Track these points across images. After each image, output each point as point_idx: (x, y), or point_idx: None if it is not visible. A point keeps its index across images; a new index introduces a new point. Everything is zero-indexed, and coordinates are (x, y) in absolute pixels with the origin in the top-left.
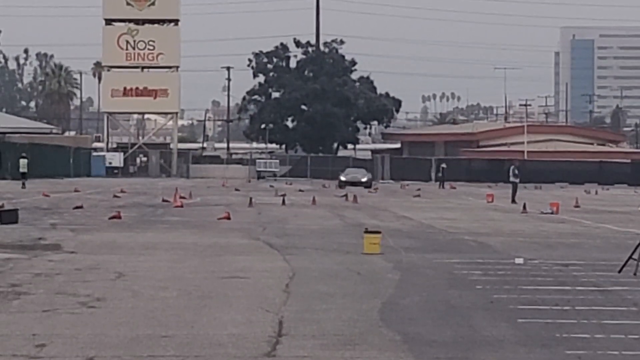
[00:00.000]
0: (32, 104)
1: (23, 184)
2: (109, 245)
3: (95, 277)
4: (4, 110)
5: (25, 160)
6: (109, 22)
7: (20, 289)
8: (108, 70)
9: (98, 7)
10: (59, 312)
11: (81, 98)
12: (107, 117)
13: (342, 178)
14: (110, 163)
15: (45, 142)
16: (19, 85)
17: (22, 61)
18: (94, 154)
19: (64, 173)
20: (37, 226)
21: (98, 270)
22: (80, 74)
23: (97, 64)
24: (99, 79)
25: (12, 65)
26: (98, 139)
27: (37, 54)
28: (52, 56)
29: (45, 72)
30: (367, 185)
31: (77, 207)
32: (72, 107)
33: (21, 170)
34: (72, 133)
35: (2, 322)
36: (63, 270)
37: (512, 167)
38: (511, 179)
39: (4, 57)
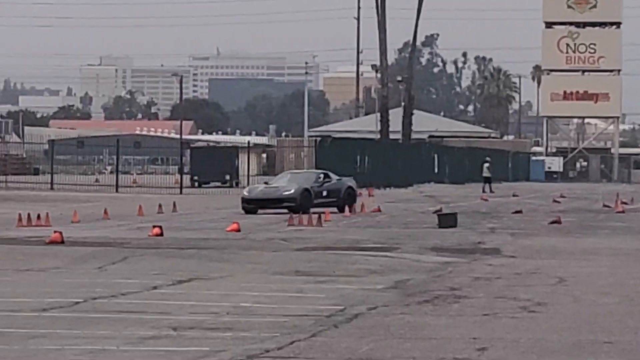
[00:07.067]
0: (470, 107)
1: (489, 188)
2: (548, 250)
3: (535, 282)
4: (442, 114)
5: (488, 164)
6: (549, 25)
7: (459, 293)
8: (547, 74)
9: (538, 10)
10: (498, 316)
11: (520, 102)
12: (547, 121)
13: None
14: (549, 168)
15: (483, 146)
16: (457, 89)
17: (460, 65)
18: (533, 158)
19: (502, 177)
20: (476, 230)
21: (538, 274)
22: (519, 77)
23: (537, 68)
24: (538, 82)
25: (450, 68)
26: (537, 143)
27: (476, 58)
28: (490, 60)
29: (483, 76)
30: None
31: (516, 212)
32: (510, 111)
33: (484, 174)
34: (511, 137)
35: (442, 325)
36: (502, 275)
37: None
38: None
39: (442, 60)
